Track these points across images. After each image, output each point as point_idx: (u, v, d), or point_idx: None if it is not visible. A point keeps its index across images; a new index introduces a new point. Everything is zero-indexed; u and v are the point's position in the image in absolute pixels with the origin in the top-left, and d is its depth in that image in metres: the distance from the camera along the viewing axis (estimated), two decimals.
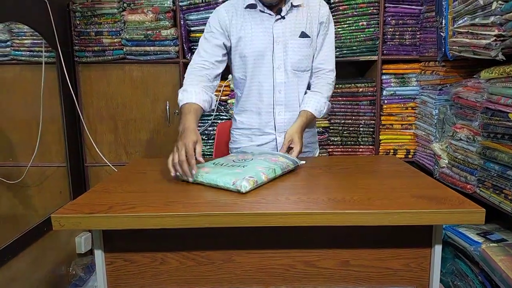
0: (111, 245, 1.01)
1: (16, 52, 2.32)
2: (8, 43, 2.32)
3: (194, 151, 1.12)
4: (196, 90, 1.36)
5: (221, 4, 2.25)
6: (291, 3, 1.43)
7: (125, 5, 2.30)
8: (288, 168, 1.21)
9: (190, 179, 1.11)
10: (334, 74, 1.55)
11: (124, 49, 2.33)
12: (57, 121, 2.23)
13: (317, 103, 1.47)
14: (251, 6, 1.44)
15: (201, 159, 1.12)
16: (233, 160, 1.22)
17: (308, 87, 1.55)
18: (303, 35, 1.45)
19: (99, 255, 1.01)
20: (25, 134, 2.33)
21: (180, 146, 1.12)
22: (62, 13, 2.19)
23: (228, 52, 1.51)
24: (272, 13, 1.43)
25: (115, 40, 2.32)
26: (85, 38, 2.32)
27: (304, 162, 1.30)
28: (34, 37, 2.27)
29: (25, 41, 2.31)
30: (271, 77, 1.46)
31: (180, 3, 2.26)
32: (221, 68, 1.48)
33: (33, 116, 2.23)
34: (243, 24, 1.45)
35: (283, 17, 1.43)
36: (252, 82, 1.48)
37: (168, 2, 2.26)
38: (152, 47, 2.31)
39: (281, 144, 1.49)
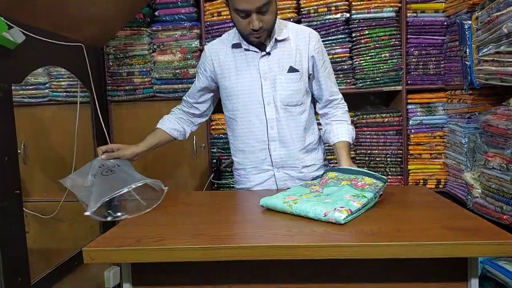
0: (140, 278, 1.02)
1: (54, 93, 2.48)
2: (47, 85, 2.48)
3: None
4: (168, 118, 1.60)
5: None
6: (275, 38, 1.41)
7: (155, 46, 2.43)
8: (378, 188, 1.15)
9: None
10: (344, 101, 1.56)
11: (154, 88, 2.44)
12: (89, 157, 2.30)
13: (347, 130, 1.47)
14: (236, 46, 1.44)
15: (103, 156, 1.37)
16: (316, 190, 1.21)
17: (308, 118, 1.54)
18: (292, 69, 1.42)
19: None
20: (59, 170, 2.43)
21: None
22: (97, 56, 2.33)
23: (216, 92, 1.58)
24: (257, 50, 1.42)
25: (146, 79, 2.44)
26: (118, 78, 2.45)
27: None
28: (71, 79, 2.42)
29: (62, 83, 2.47)
30: (262, 114, 1.44)
31: (206, 43, 2.37)
32: (201, 108, 1.61)
33: (67, 152, 2.34)
34: (227, 63, 1.46)
35: (268, 53, 1.41)
36: (243, 120, 1.47)
37: (195, 43, 2.38)
38: (180, 85, 2.40)
39: (280, 179, 1.49)
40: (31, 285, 1.61)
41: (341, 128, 1.47)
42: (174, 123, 1.58)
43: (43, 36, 1.73)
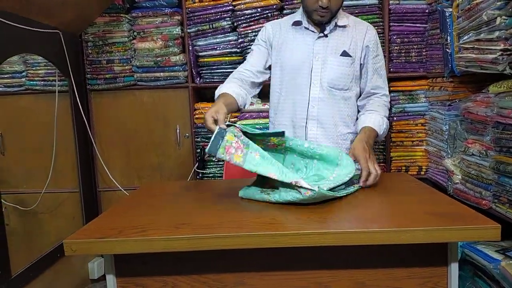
0: (123, 269, 1.01)
1: (31, 82, 2.40)
2: (24, 73, 2.41)
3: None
4: (230, 85, 1.44)
5: (227, 30, 2.32)
6: (336, 22, 1.46)
7: (135, 33, 2.37)
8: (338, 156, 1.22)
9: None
10: (388, 99, 1.54)
11: (135, 76, 2.39)
12: (70, 148, 2.27)
13: (375, 119, 1.44)
14: (297, 23, 1.49)
15: (222, 125, 1.14)
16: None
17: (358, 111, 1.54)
18: (345, 54, 1.46)
19: (110, 280, 1.01)
20: (39, 161, 2.38)
21: (205, 120, 1.19)
22: (75, 43, 2.26)
23: (270, 66, 1.56)
24: (315, 30, 1.47)
25: (126, 67, 2.38)
26: (97, 67, 2.39)
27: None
28: (48, 67, 2.35)
29: (39, 71, 2.39)
30: (307, 91, 1.47)
31: (188, 30, 2.33)
32: (260, 78, 1.54)
33: (47, 143, 2.28)
34: (285, 39, 1.51)
35: (325, 35, 1.46)
36: (287, 95, 1.51)
37: (177, 30, 2.33)
38: (162, 73, 2.36)
39: None
40: (12, 278, 1.58)
41: (369, 117, 1.45)
42: (237, 88, 1.44)
43: (17, 22, 1.67)
